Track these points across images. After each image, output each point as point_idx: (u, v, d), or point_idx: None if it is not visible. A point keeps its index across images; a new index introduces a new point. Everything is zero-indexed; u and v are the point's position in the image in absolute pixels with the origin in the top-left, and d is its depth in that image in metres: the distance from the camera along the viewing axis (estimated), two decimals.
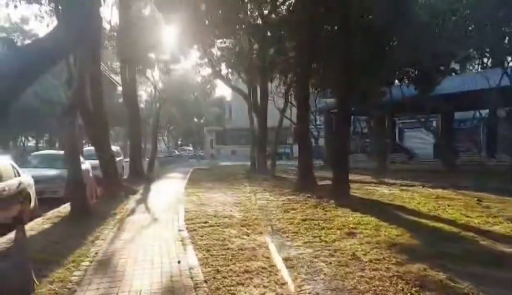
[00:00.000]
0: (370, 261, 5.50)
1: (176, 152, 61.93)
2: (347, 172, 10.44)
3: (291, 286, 4.68)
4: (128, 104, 20.20)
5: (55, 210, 10.44)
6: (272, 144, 23.29)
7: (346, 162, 10.48)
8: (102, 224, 8.37)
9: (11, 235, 6.62)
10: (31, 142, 40.08)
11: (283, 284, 4.78)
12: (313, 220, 8.26)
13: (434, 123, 36.38)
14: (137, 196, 13.08)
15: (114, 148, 23.45)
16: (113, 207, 10.66)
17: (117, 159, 21.35)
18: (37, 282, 4.70)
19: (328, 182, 14.56)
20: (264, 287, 4.69)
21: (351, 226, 7.54)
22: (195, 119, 72.28)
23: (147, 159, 26.98)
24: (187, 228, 7.80)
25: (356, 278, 4.87)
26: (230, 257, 5.82)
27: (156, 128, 28.85)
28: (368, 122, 31.19)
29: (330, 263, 5.46)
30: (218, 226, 7.96)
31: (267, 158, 22.29)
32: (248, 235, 7.16)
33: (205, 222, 8.32)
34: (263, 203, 10.83)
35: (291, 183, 15.42)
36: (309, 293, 4.50)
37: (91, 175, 15.78)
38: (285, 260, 5.60)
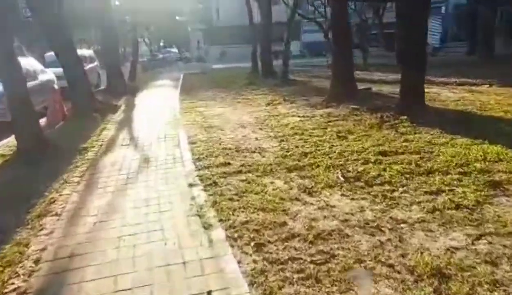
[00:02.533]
0: None
1: (160, 55, 56.72)
2: (424, 71, 7.18)
3: None
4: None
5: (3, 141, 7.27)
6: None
7: (423, 57, 7.14)
8: (60, 173, 5.22)
9: None
10: None
11: None
12: (398, 153, 5.21)
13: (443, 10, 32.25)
14: (117, 116, 9.77)
15: (86, 51, 19.38)
16: (83, 135, 7.44)
17: (90, 65, 17.62)
18: None
19: (363, 86, 11.36)
20: None
21: (477, 166, 4.50)
22: (177, 18, 65.61)
23: (128, 65, 23.00)
24: (200, 179, 4.71)
25: None
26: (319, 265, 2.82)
27: (135, 26, 24.31)
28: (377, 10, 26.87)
29: None
30: (250, 172, 4.87)
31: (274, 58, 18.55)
32: (312, 193, 4.12)
33: (226, 164, 5.21)
34: (295, 121, 7.69)
35: (317, 90, 12.16)
36: None
37: (56, 87, 12.27)
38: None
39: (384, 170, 4.59)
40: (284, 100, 10.62)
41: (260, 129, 7.19)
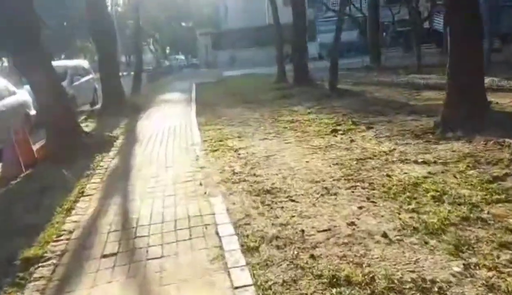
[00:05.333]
0: None
1: (166, 62, 53.72)
2: None
3: None
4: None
5: None
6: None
7: None
8: None
9: None
10: None
11: None
12: None
13: None
14: (109, 161, 6.34)
15: (79, 62, 16.08)
16: (45, 210, 4.08)
17: (84, 78, 14.34)
18: None
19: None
20: None
21: None
22: (183, 24, 62.68)
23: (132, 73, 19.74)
24: None
25: None
26: None
27: (138, 32, 21.04)
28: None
29: None
30: None
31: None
32: None
33: None
34: (420, 175, 4.18)
35: (390, 104, 8.76)
36: None
37: (32, 113, 9.10)
38: None
39: None
40: (354, 123, 7.17)
41: (373, 203, 3.69)
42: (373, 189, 3.98)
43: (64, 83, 12.50)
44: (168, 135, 7.91)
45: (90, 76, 15.01)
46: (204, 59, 46.55)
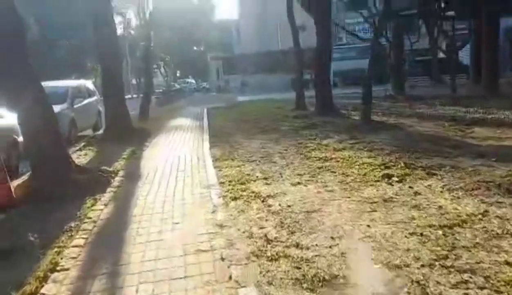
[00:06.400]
0: None
1: (176, 85, 53.02)
2: None
3: None
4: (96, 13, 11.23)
5: None
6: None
7: None
8: None
9: None
10: None
11: None
12: None
13: None
14: (101, 208, 4.92)
15: (83, 83, 14.88)
16: None
17: (87, 100, 13.17)
18: None
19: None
20: None
21: None
22: (195, 47, 62.55)
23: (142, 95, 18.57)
24: None
25: None
26: None
27: (148, 54, 20.04)
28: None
29: None
30: None
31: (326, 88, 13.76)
32: None
33: None
34: None
35: (446, 143, 7.35)
36: None
37: (20, 140, 7.86)
38: None
39: None
40: (407, 166, 5.75)
41: None
42: (499, 293, 2.53)
43: (64, 106, 11.35)
44: (177, 173, 6.54)
45: (94, 98, 13.85)
46: (215, 84, 45.77)
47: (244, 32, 44.68)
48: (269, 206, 4.54)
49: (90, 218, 4.53)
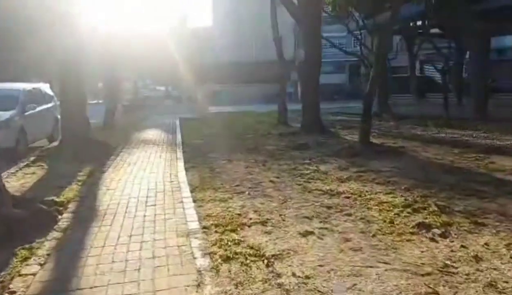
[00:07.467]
0: None
1: (146, 92, 50.74)
2: None
3: None
4: None
5: None
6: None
7: None
8: None
9: None
10: None
11: None
12: None
13: None
14: (37, 266, 3.35)
15: (38, 86, 12.88)
16: None
17: (43, 106, 11.36)
18: None
19: None
20: None
21: None
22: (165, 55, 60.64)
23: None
24: None
25: None
26: None
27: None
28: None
29: None
30: None
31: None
32: None
33: None
34: None
35: (467, 177, 6.22)
36: None
37: None
38: None
39: None
40: (443, 211, 4.54)
41: None
42: None
43: (13, 112, 9.63)
44: (146, 209, 5.04)
45: (51, 104, 12.06)
46: (186, 93, 44.03)
47: (218, 42, 43.56)
48: (278, 275, 3.17)
49: (16, 284, 2.99)
